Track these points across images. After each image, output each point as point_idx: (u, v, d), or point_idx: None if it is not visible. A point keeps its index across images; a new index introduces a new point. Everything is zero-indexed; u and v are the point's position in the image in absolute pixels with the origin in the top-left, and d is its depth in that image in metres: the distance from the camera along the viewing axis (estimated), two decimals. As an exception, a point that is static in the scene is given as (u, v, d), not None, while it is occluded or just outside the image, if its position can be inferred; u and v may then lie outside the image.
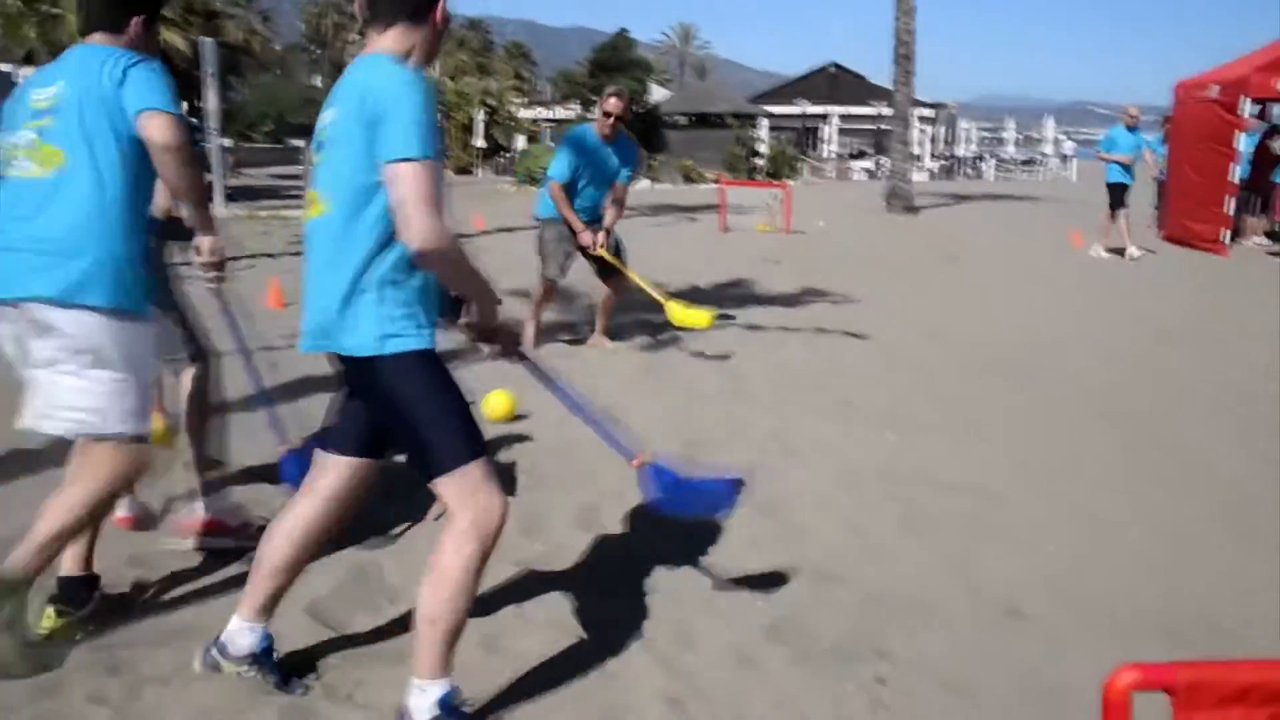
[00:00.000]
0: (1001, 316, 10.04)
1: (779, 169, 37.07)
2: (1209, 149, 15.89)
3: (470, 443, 2.75)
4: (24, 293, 3.09)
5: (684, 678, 3.24)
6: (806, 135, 48.90)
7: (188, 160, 3.24)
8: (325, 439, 3.03)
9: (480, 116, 39.29)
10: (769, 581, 3.94)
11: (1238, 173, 15.58)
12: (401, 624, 3.49)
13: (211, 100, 18.97)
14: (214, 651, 3.04)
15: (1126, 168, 14.71)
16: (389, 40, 2.74)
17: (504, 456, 5.25)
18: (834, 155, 46.84)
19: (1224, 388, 7.21)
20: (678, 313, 7.36)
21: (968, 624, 3.66)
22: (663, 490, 3.39)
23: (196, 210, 3.54)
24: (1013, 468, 5.36)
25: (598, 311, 8.07)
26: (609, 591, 3.84)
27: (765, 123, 41.97)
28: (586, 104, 37.03)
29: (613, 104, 7.21)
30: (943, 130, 49.83)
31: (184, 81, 29.66)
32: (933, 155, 46.88)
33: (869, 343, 8.60)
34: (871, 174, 41.64)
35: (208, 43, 19.61)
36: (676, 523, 4.47)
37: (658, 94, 43.80)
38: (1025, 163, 47.09)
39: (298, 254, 12.69)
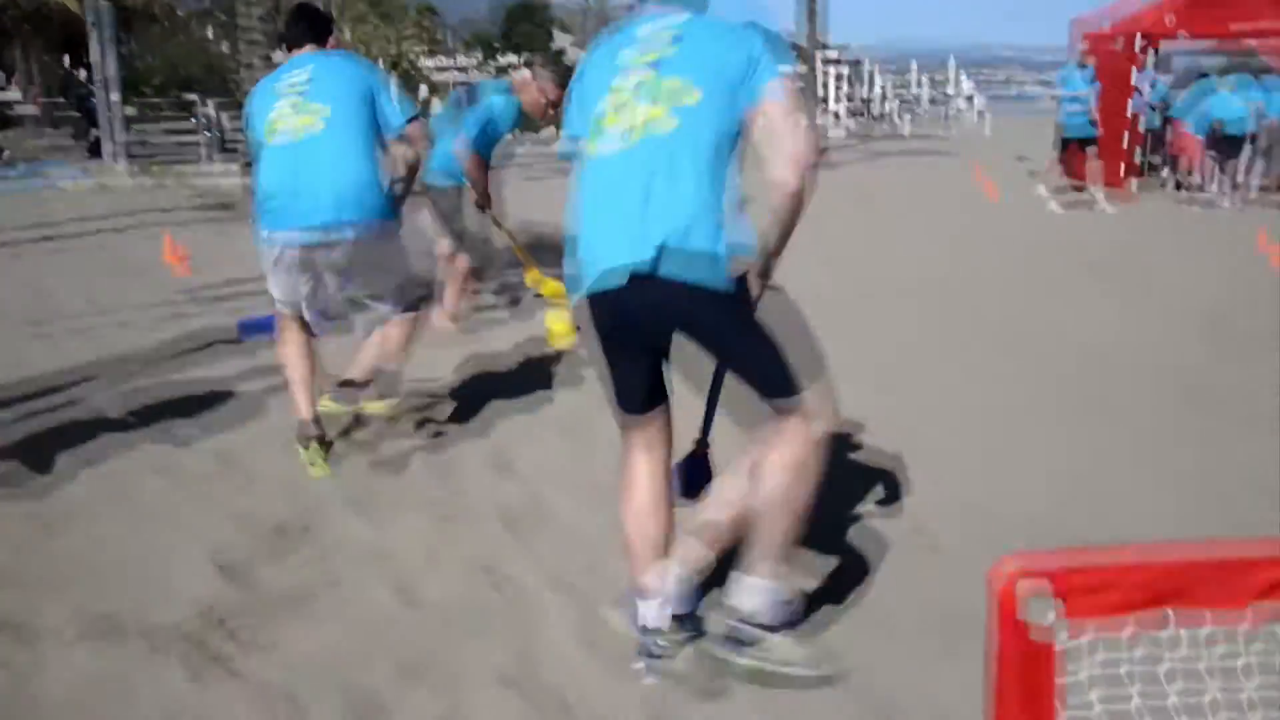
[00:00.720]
0: (911, 255, 10.16)
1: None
2: (1107, 86, 16.17)
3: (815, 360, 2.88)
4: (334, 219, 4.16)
5: (600, 614, 3.26)
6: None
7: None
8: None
9: (382, 67, 38.60)
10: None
11: (1131, 108, 15.88)
12: (309, 573, 3.47)
13: (103, 58, 18.29)
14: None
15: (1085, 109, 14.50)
16: None
17: (415, 404, 5.21)
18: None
19: (1121, 320, 7.40)
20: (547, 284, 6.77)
21: (879, 552, 3.71)
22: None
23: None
24: (920, 400, 5.45)
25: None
26: (518, 530, 3.86)
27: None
28: (490, 55, 36.41)
29: (558, 94, 6.35)
30: (848, 72, 50.03)
31: (77, 36, 28.61)
32: (837, 99, 47.13)
33: (780, 283, 8.63)
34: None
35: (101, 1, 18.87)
36: (580, 463, 4.51)
37: (572, 52, 43.28)
38: (933, 103, 47.39)
39: (194, 210, 12.44)
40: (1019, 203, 14.45)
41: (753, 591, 2.77)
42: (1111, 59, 16.06)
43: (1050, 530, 3.93)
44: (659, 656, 2.88)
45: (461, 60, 40.39)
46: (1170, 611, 1.47)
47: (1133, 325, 7.33)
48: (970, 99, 47.53)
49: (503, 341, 6.48)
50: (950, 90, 49.19)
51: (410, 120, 4.35)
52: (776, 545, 2.76)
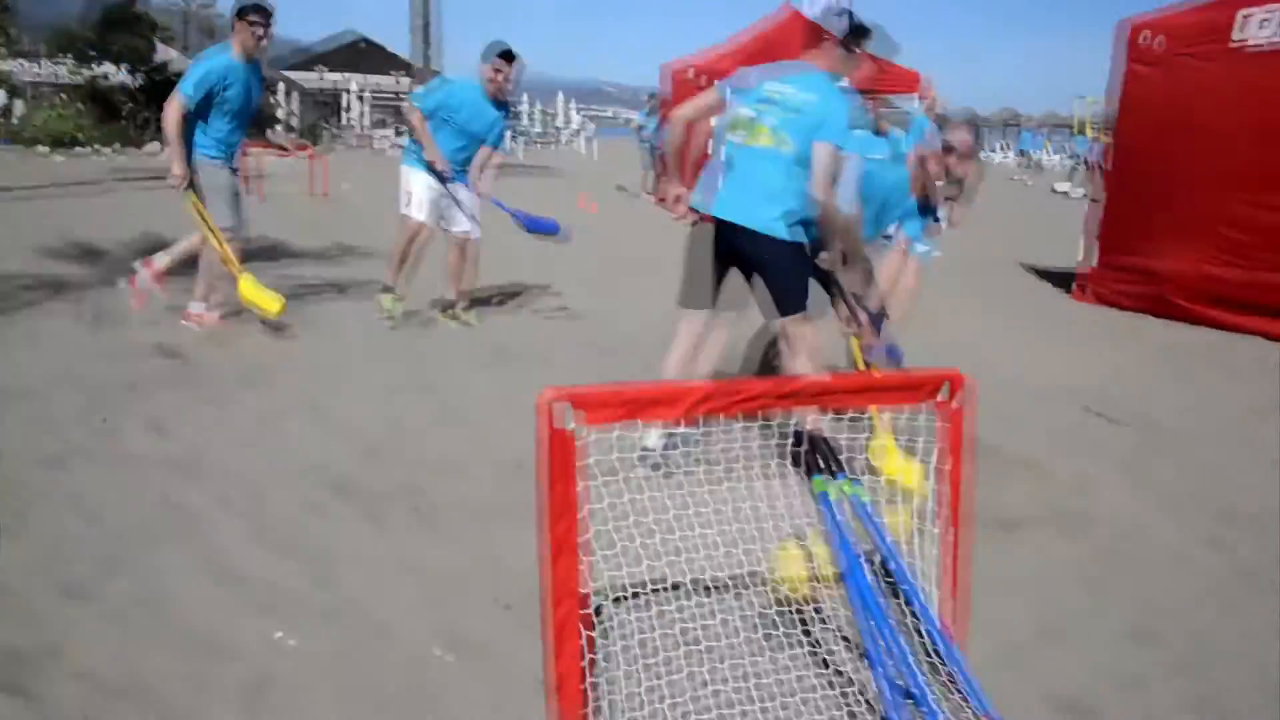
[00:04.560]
0: (515, 259, 11.24)
1: (302, 137, 36.55)
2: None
3: (803, 299, 4.67)
4: None
5: (267, 526, 4.03)
6: (329, 104, 48.46)
7: None
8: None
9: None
10: (324, 460, 4.78)
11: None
12: None
13: None
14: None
15: None
16: (821, 61, 4.83)
17: (144, 365, 5.65)
18: (355, 125, 46.86)
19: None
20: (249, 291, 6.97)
21: (489, 476, 4.68)
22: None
23: None
24: (513, 385, 6.51)
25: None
26: (185, 474, 4.53)
27: (295, 93, 41.18)
28: (83, 59, 34.06)
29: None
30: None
31: None
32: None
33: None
34: (394, 144, 42.20)
35: None
36: (257, 428, 5.22)
37: (165, 53, 41.27)
38: (541, 135, 49.69)
39: None
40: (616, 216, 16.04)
41: None
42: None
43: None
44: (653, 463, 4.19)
45: (48, 66, 37.41)
46: (641, 422, 2.55)
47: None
48: (579, 131, 50.20)
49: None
50: (560, 122, 51.74)
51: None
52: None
